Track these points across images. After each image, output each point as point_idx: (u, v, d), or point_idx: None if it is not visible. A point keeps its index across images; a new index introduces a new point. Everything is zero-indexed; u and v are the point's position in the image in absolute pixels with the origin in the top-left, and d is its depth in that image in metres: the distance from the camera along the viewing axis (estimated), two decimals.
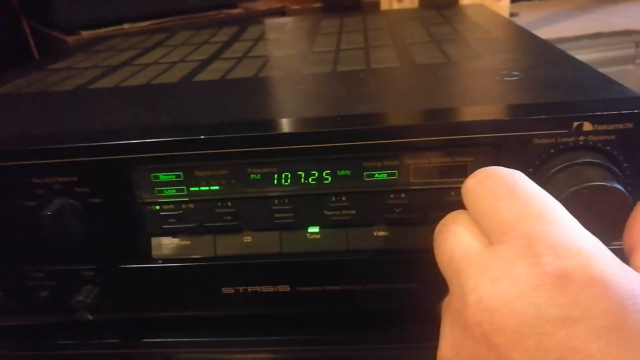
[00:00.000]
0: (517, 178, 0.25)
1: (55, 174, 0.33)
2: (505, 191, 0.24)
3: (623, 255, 0.26)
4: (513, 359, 0.19)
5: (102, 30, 0.95)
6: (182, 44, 0.66)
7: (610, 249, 0.22)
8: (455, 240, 0.25)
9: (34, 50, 1.09)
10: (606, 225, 0.29)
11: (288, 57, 0.54)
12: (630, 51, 0.98)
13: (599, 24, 0.96)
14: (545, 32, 0.78)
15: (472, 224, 0.25)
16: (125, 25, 0.97)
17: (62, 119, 0.40)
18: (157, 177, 0.34)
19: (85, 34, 0.93)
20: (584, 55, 0.38)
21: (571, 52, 0.45)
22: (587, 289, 0.19)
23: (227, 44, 0.63)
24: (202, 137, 0.32)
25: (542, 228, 0.22)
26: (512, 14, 1.12)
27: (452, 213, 0.28)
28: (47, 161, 0.33)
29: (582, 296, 0.19)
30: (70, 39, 0.91)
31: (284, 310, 0.37)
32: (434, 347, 0.39)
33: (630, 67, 0.99)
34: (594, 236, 0.22)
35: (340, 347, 0.39)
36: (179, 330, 0.40)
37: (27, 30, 1.08)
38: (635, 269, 0.24)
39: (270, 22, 0.82)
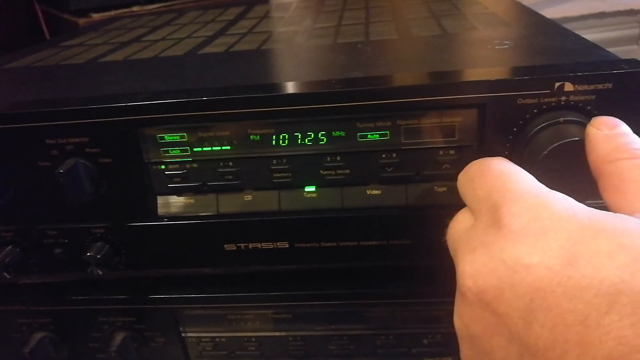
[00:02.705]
0: (491, 161, 0.28)
1: (68, 135, 0.36)
2: (480, 174, 0.27)
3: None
4: (501, 312, 0.22)
5: (112, 13, 0.97)
6: (190, 23, 0.68)
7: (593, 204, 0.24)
8: (453, 227, 0.28)
9: (46, 33, 1.12)
10: (587, 181, 0.31)
11: (290, 32, 0.56)
12: (635, 31, 0.98)
13: (603, 4, 0.96)
14: (550, 12, 0.78)
15: (466, 211, 0.28)
16: (135, 8, 0.99)
17: (74, 87, 0.42)
18: (163, 138, 0.36)
19: (95, 16, 0.95)
20: (588, 35, 0.39)
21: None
22: (540, 236, 0.22)
23: (232, 22, 0.65)
24: (204, 98, 0.34)
25: (502, 195, 0.24)
26: None
27: None
28: (59, 122, 0.35)
29: (538, 243, 0.21)
30: (82, 21, 0.93)
31: (284, 266, 0.39)
32: (425, 303, 0.41)
33: (634, 47, 0.99)
34: (547, 189, 0.24)
35: (337, 302, 0.41)
36: (183, 287, 0.42)
37: (40, 14, 1.11)
38: (605, 199, 0.25)
39: (276, 2, 0.83)
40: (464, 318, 0.24)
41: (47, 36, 1.10)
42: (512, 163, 0.28)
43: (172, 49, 0.52)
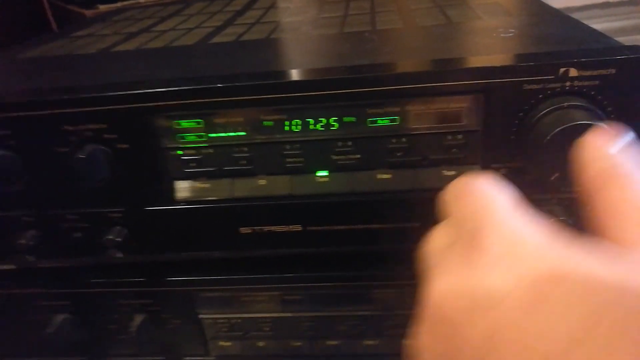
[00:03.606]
0: (476, 180, 0.27)
1: (86, 122, 0.37)
2: (463, 193, 0.27)
3: None
4: (463, 337, 0.21)
5: (119, 4, 0.97)
6: (197, 13, 0.68)
7: None
8: (431, 243, 0.27)
9: (53, 24, 1.12)
10: None
11: (297, 21, 0.57)
12: (639, 21, 0.99)
13: None
14: (555, 2, 0.79)
15: (446, 227, 0.27)
16: None
17: (89, 75, 0.44)
18: (179, 124, 0.37)
19: (102, 7, 0.96)
20: (592, 26, 0.40)
21: None
22: (512, 268, 0.21)
23: (240, 12, 0.66)
24: (219, 85, 0.35)
25: (482, 220, 0.24)
26: None
27: None
28: (78, 109, 0.36)
29: (508, 275, 0.21)
30: (89, 12, 0.94)
31: (297, 249, 0.40)
32: None
33: (638, 37, 0.99)
34: (529, 217, 0.24)
35: (347, 284, 0.42)
36: (200, 270, 0.44)
37: (46, 5, 1.11)
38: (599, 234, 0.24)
39: None
40: (425, 338, 0.24)
41: (54, 27, 1.11)
42: (497, 183, 0.27)
43: (182, 38, 0.53)
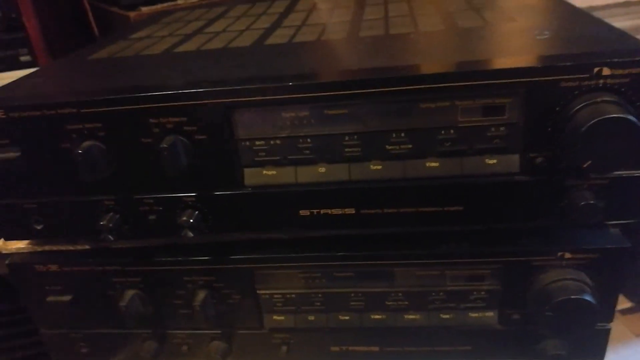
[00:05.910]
0: None
1: (169, 115, 0.42)
2: None
3: None
4: None
5: (159, 6, 1.03)
6: (242, 16, 0.73)
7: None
8: None
9: (94, 27, 1.18)
10: (620, 156, 0.37)
11: (342, 23, 0.61)
12: None
13: None
14: (577, 1, 0.83)
15: None
16: (180, 1, 1.05)
17: (164, 74, 0.48)
18: (252, 117, 0.42)
19: (144, 9, 1.01)
20: (614, 24, 0.44)
21: None
22: None
23: (283, 15, 0.70)
24: (290, 83, 0.39)
25: None
26: None
27: None
28: (162, 104, 0.41)
29: None
30: (132, 14, 0.99)
31: (350, 230, 0.45)
32: (474, 263, 0.47)
33: None
34: None
35: (394, 262, 0.47)
36: (257, 250, 0.48)
37: (87, 7, 1.17)
38: None
39: None
40: None
41: (95, 30, 1.16)
42: None
43: (237, 40, 0.57)
